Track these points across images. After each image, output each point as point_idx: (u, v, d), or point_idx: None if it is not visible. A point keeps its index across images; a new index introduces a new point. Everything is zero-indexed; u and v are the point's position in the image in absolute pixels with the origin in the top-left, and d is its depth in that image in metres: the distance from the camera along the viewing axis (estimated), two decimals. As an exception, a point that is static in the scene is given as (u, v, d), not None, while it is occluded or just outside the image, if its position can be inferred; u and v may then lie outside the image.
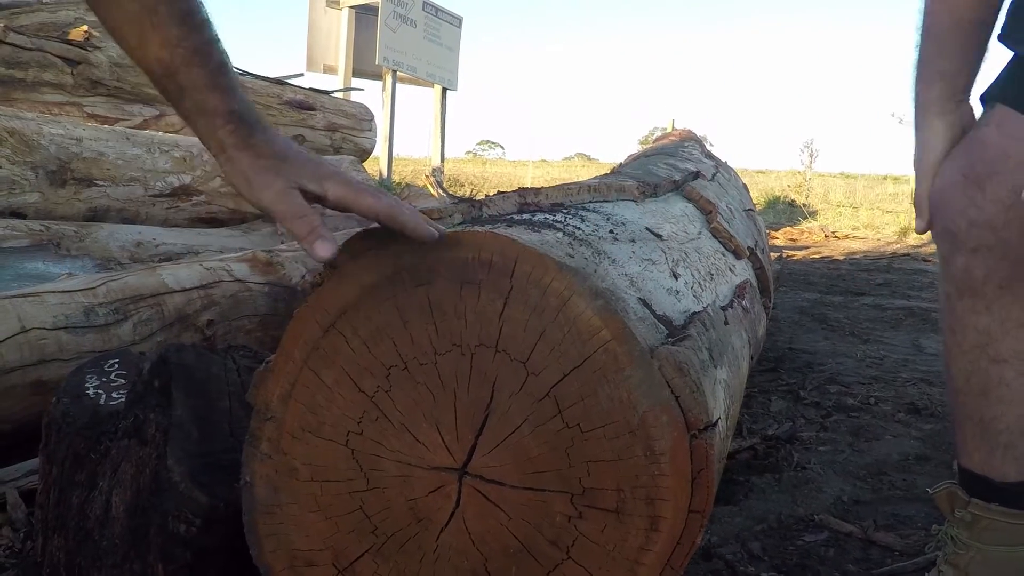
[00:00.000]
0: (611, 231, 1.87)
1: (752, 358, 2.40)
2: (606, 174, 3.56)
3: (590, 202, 2.27)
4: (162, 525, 1.70)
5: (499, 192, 1.96)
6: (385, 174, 17.51)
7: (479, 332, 1.37)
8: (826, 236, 13.12)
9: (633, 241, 1.92)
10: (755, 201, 17.25)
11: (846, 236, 13.20)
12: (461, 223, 1.62)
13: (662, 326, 1.50)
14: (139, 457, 1.72)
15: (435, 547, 1.47)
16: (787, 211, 17.02)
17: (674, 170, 3.71)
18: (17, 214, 3.59)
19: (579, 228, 1.72)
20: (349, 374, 1.43)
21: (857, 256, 10.04)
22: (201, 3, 1.41)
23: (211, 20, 1.42)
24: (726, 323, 1.90)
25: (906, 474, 2.90)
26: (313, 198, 1.42)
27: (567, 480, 1.38)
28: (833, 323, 5.39)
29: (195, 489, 1.68)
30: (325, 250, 1.37)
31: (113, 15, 1.36)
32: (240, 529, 1.58)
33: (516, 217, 1.72)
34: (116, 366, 1.96)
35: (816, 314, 5.67)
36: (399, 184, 17.14)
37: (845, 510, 2.64)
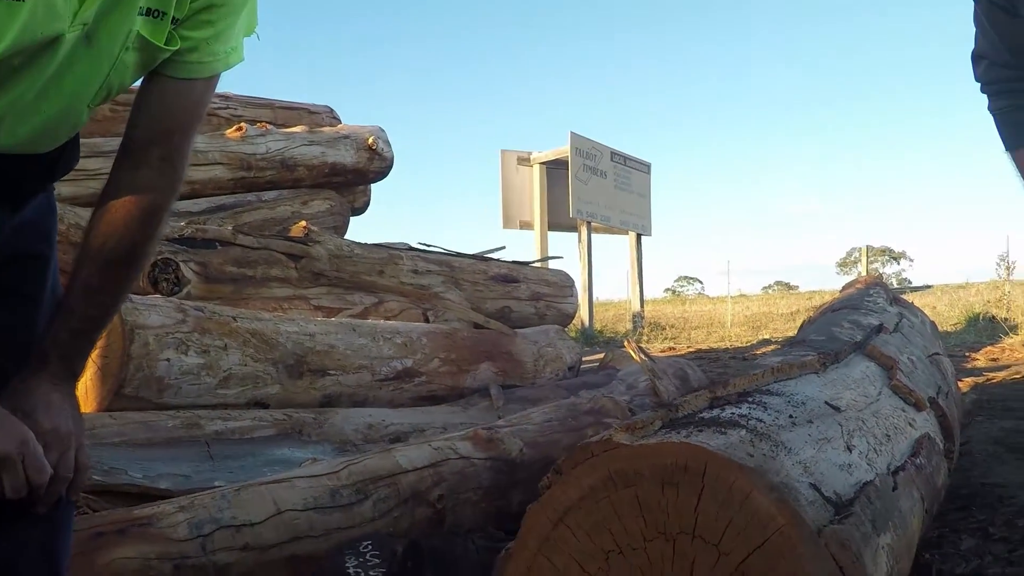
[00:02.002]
0: (791, 416, 2.18)
1: (928, 511, 2.63)
2: (791, 342, 3.81)
3: (774, 382, 2.58)
4: None
5: (693, 392, 2.30)
6: (587, 323, 17.90)
7: (679, 522, 1.70)
8: (1029, 353, 12.90)
9: (810, 422, 2.22)
10: (955, 319, 16.85)
11: (1051, 350, 12.93)
12: (661, 427, 1.96)
13: (830, 506, 1.80)
14: (404, 629, 2.08)
15: None
16: (988, 328, 16.68)
17: (856, 328, 3.96)
18: (261, 404, 4.05)
19: (761, 420, 2.04)
20: (576, 559, 1.78)
21: (1063, 373, 9.88)
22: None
23: None
24: (895, 488, 2.18)
25: (1093, 602, 3.03)
26: None
27: (758, 637, 1.69)
28: (1030, 453, 5.44)
29: (452, 654, 2.04)
30: None
31: None
32: None
33: (707, 416, 2.05)
34: (370, 547, 2.32)
35: (1012, 444, 5.69)
36: (600, 333, 17.52)
37: (1030, 647, 2.79)
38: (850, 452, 2.20)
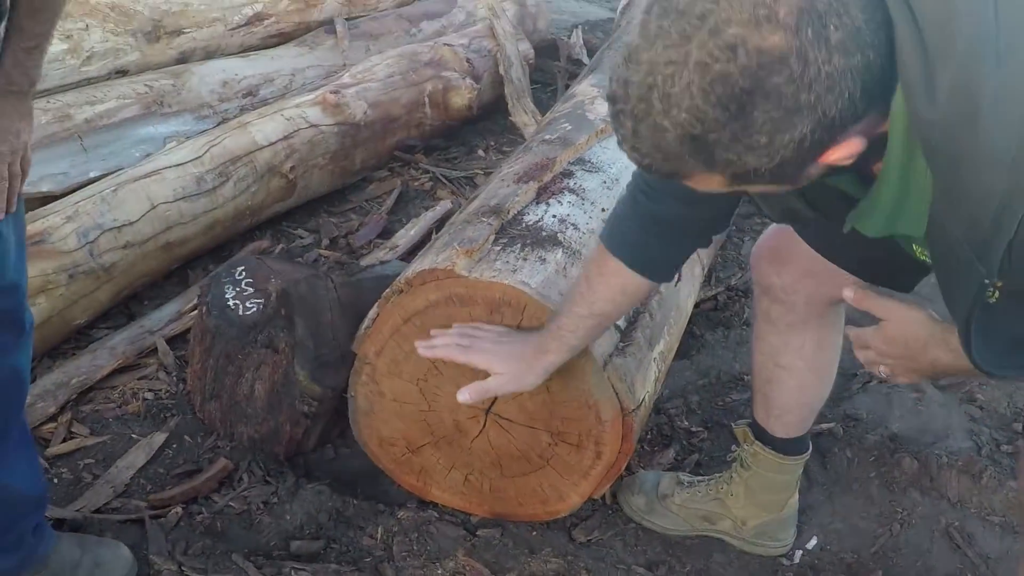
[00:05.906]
0: (603, 210, 2.61)
1: (704, 268, 3.14)
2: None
3: (597, 144, 2.98)
4: (291, 405, 2.58)
5: (519, 178, 2.69)
6: None
7: (503, 338, 2.22)
8: None
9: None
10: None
11: None
12: (495, 241, 2.37)
13: (617, 332, 2.33)
14: (274, 361, 2.57)
15: (469, 447, 2.41)
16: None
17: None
18: (120, 71, 4.15)
19: (577, 227, 2.50)
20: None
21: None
22: None
23: None
24: (678, 281, 2.69)
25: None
26: None
27: (549, 425, 2.30)
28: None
29: (313, 384, 2.55)
30: None
31: None
32: (341, 400, 2.54)
33: (531, 222, 2.48)
34: (244, 274, 2.68)
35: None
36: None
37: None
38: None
